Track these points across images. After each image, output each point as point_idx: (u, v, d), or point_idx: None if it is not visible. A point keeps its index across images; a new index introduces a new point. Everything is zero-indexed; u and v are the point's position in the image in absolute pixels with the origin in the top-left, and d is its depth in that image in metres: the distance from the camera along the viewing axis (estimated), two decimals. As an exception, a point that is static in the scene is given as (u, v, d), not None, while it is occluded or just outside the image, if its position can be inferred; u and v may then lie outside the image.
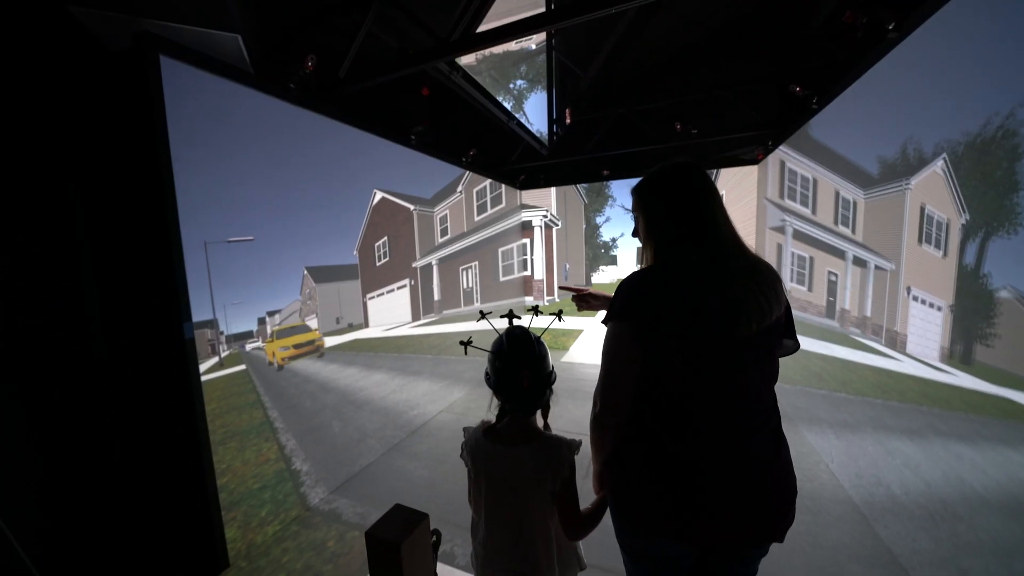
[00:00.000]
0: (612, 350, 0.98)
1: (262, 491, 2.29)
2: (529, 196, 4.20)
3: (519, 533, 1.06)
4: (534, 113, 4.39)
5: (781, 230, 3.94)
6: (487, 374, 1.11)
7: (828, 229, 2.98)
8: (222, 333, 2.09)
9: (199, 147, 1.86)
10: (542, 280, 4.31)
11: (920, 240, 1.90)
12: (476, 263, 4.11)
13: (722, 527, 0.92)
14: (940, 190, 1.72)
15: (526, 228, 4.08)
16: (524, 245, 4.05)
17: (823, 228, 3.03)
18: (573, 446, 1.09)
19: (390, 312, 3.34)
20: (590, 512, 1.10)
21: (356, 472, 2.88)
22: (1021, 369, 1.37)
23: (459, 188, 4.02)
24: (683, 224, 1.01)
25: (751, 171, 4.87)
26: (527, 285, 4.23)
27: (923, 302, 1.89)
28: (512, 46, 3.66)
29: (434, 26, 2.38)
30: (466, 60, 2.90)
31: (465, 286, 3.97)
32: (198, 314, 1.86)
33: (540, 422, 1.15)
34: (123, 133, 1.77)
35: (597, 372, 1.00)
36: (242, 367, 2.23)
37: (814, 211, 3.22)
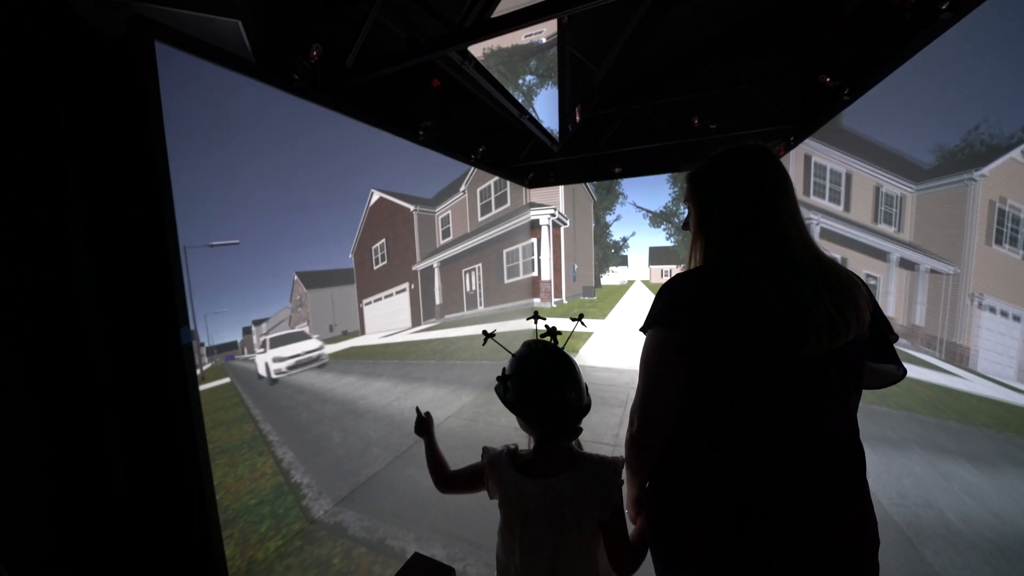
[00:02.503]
0: (652, 362, 0.84)
1: (260, 506, 2.18)
2: (536, 194, 4.15)
3: (554, 568, 0.91)
4: (544, 110, 4.26)
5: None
6: (512, 397, 0.95)
7: (865, 227, 2.79)
8: (203, 345, 1.87)
9: (185, 142, 1.67)
10: (549, 281, 4.29)
11: (992, 240, 1.72)
12: (480, 265, 4.08)
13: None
14: (1021, 181, 1.54)
15: (533, 227, 4.06)
16: (531, 245, 4.00)
17: (858, 226, 2.84)
18: (618, 466, 0.94)
19: (389, 318, 3.28)
20: (635, 544, 0.94)
21: (362, 482, 2.75)
22: None
23: (462, 187, 3.95)
24: (743, 219, 0.85)
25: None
26: (534, 286, 4.22)
27: (997, 311, 1.71)
28: (522, 40, 3.55)
29: (445, 13, 2.25)
30: (475, 54, 2.79)
31: (468, 289, 3.96)
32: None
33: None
34: (118, 126, 1.66)
35: (609, 375, 0.90)
36: (226, 380, 2.14)
37: (847, 208, 3.02)
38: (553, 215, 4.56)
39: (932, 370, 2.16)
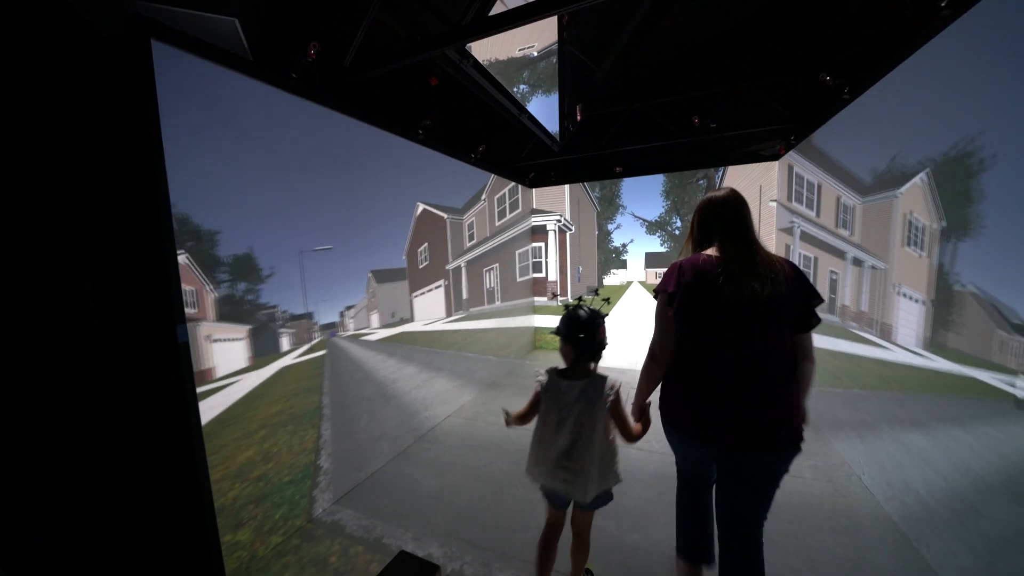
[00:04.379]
0: (657, 314, 1.49)
1: (288, 486, 2.27)
2: (543, 202, 4.44)
3: (576, 440, 1.51)
4: (539, 115, 4.32)
5: (790, 231, 4.18)
6: (569, 334, 1.56)
7: (830, 231, 3.21)
8: (316, 323, 2.56)
9: (292, 172, 2.29)
10: (555, 281, 4.63)
11: (906, 243, 2.21)
12: (497, 265, 4.46)
13: (727, 433, 1.34)
14: (921, 199, 2.05)
15: (539, 232, 4.43)
16: (539, 248, 4.40)
17: (826, 230, 3.28)
18: (614, 381, 1.56)
19: (430, 308, 3.74)
20: (637, 430, 1.58)
21: (363, 479, 2.76)
22: (981, 352, 1.67)
23: (483, 196, 4.33)
24: (708, 233, 1.51)
25: (768, 168, 4.72)
26: (541, 285, 4.56)
27: (908, 297, 2.19)
28: (515, 53, 3.76)
29: (444, 10, 2.25)
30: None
31: (488, 286, 4.32)
32: (297, 310, 2.40)
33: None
34: (116, 124, 1.66)
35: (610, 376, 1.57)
36: (324, 352, 2.63)
37: (818, 214, 3.48)
38: (559, 221, 4.74)
39: (875, 347, 2.55)
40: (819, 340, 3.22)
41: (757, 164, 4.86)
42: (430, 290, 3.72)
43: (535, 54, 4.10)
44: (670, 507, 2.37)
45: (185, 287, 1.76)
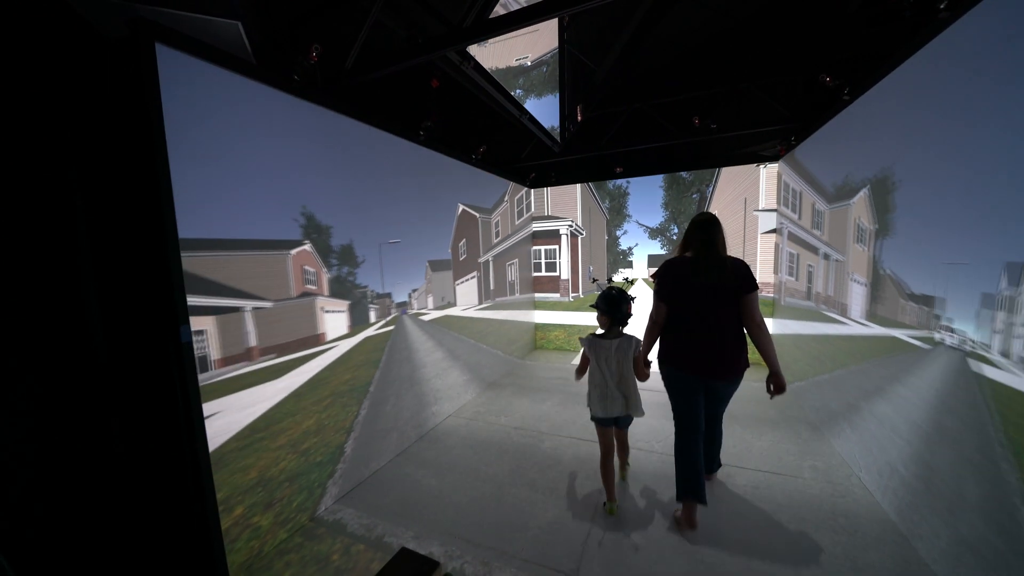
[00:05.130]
0: (653, 301, 2.30)
1: (316, 468, 2.39)
2: (556, 209, 4.98)
3: (620, 378, 2.29)
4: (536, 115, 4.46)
5: (780, 232, 4.78)
6: (605, 306, 2.28)
7: (808, 231, 3.83)
8: (393, 302, 3.18)
9: (370, 182, 2.91)
10: (567, 280, 5.16)
11: (855, 241, 2.84)
12: (517, 260, 4.95)
13: (697, 365, 2.15)
14: (864, 208, 2.69)
15: (553, 236, 4.97)
16: (553, 250, 4.94)
17: (805, 230, 3.90)
18: (636, 341, 2.31)
19: (467, 296, 4.31)
20: (645, 372, 2.30)
21: (365, 478, 2.77)
22: (892, 316, 2.37)
23: (505, 197, 4.79)
24: (689, 242, 2.25)
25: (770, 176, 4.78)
26: (554, 283, 5.13)
27: (857, 281, 2.82)
28: (512, 63, 4.04)
29: (445, 13, 2.26)
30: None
31: (510, 279, 4.82)
32: (379, 290, 3.02)
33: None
34: (120, 126, 1.67)
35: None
36: (393, 327, 3.16)
37: (799, 216, 4.04)
38: (571, 226, 5.09)
39: (839, 324, 3.10)
40: (806, 327, 3.86)
41: (744, 177, 4.97)
42: (467, 280, 4.29)
43: (529, 63, 4.35)
44: (669, 507, 2.39)
45: (308, 268, 2.37)
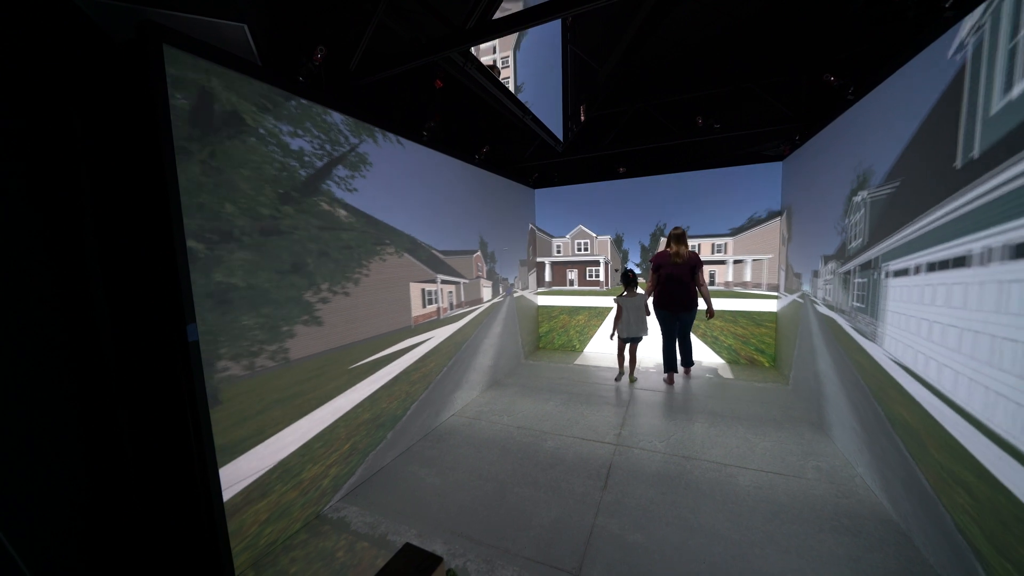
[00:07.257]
0: (651, 272, 4.61)
1: (367, 437, 2.79)
2: (601, 250, 6.52)
3: (640, 316, 4.41)
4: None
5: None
6: (625, 281, 4.46)
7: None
8: (508, 283, 5.28)
9: (473, 199, 4.42)
10: (603, 280, 7.01)
11: (781, 244, 4.64)
12: (576, 270, 6.58)
13: (670, 305, 4.37)
14: (785, 222, 4.49)
15: (596, 263, 6.57)
16: (596, 269, 6.56)
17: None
18: (643, 295, 4.49)
19: (532, 285, 6.32)
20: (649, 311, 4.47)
21: (369, 476, 2.79)
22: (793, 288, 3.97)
23: (567, 235, 6.35)
24: (668, 244, 4.39)
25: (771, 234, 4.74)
26: (595, 283, 6.61)
27: (781, 270, 4.62)
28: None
29: (448, 15, 2.27)
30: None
31: (568, 278, 6.57)
32: (503, 276, 5.18)
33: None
34: (129, 127, 1.70)
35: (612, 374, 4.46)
36: (499, 300, 5.02)
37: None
38: (606, 259, 6.11)
39: (776, 300, 4.45)
40: (771, 304, 5.09)
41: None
42: (531, 273, 6.23)
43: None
44: (671, 506, 2.39)
45: (478, 264, 4.40)
